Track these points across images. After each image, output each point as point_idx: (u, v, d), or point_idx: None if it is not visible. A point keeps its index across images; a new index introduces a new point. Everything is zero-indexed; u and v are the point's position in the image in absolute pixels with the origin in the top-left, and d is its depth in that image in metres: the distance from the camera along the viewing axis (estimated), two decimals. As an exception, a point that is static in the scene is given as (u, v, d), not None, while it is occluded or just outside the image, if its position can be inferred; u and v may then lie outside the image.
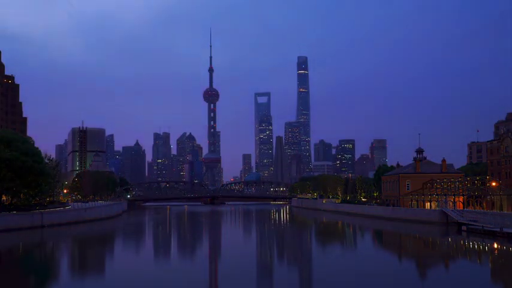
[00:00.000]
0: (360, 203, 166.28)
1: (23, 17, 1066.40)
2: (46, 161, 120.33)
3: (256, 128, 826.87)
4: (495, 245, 72.71)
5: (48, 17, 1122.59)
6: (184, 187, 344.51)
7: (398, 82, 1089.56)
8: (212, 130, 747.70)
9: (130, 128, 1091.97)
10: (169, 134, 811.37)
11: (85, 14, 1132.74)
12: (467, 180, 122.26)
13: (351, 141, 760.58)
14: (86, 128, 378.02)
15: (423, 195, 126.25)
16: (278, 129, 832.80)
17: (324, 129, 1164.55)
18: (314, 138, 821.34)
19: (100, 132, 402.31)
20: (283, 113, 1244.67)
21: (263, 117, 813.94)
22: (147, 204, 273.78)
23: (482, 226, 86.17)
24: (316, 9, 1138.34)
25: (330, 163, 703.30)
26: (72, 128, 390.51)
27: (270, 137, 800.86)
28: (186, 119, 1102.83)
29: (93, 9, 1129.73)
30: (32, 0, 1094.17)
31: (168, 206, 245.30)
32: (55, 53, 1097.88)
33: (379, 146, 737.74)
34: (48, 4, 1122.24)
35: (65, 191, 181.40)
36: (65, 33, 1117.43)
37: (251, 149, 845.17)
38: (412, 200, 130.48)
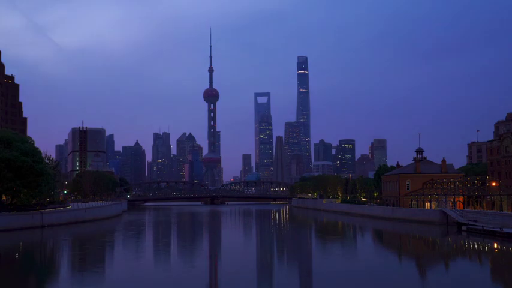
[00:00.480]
0: (360, 203, 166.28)
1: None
2: (46, 161, 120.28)
3: (256, 128, 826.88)
4: (495, 245, 72.72)
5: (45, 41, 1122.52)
6: (184, 187, 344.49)
7: (399, 82, 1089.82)
8: (212, 130, 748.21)
9: (130, 128, 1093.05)
10: (169, 134, 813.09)
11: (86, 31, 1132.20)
12: (467, 180, 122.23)
13: (351, 141, 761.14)
14: (86, 128, 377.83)
15: (423, 195, 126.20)
16: (278, 129, 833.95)
17: (324, 129, 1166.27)
18: (314, 138, 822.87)
19: (100, 132, 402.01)
20: (283, 113, 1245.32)
21: (263, 117, 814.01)
22: (147, 204, 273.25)
23: (483, 226, 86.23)
24: (317, 8, 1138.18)
25: (330, 163, 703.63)
26: (72, 128, 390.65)
27: (270, 137, 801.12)
28: (186, 119, 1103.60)
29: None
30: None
31: (168, 206, 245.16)
32: (54, 64, 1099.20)
33: (379, 146, 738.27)
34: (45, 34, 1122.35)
35: (65, 191, 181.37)
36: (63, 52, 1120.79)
37: (251, 149, 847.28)
38: (412, 200, 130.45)
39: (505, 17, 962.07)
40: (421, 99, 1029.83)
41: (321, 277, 47.95)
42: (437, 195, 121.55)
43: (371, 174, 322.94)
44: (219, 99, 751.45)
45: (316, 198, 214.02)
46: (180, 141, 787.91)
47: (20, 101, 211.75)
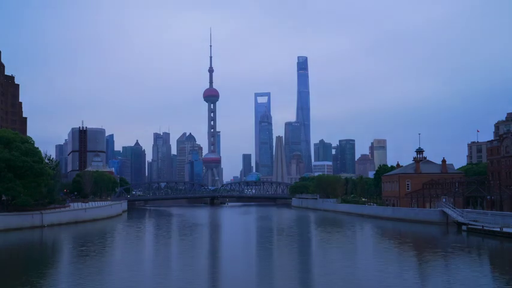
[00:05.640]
0: (360, 203, 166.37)
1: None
2: (46, 161, 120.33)
3: (256, 128, 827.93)
4: (495, 245, 72.86)
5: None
6: (184, 187, 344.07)
7: (398, 82, 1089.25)
8: (212, 130, 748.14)
9: (131, 128, 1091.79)
10: (169, 134, 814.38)
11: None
12: (467, 180, 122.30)
13: (351, 141, 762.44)
14: (86, 128, 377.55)
15: (423, 195, 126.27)
16: (278, 129, 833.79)
17: (324, 129, 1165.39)
18: (314, 138, 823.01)
19: (100, 132, 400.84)
20: (283, 113, 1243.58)
21: (263, 117, 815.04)
22: (147, 206, 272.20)
23: (483, 226, 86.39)
24: (317, 8, 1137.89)
25: (330, 163, 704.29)
26: (72, 128, 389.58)
27: (270, 137, 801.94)
28: (186, 119, 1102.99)
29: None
30: None
31: (169, 209, 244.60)
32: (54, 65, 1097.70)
33: (379, 146, 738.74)
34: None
35: (65, 191, 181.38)
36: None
37: (251, 149, 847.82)
38: (412, 200, 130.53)
39: (506, 14, 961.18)
40: (421, 99, 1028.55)
41: (320, 276, 47.96)
42: (437, 195, 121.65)
43: (371, 174, 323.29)
44: (219, 99, 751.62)
45: (316, 199, 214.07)
46: (180, 141, 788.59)
47: (20, 101, 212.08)
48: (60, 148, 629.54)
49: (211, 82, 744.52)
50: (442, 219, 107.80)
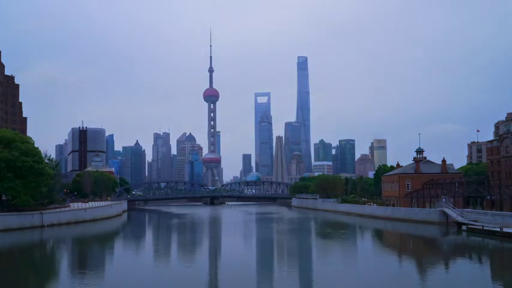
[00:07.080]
0: (360, 203, 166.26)
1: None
2: (46, 161, 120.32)
3: (256, 128, 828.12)
4: (495, 245, 72.84)
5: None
6: (184, 187, 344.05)
7: (399, 81, 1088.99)
8: (212, 130, 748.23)
9: (131, 128, 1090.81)
10: (169, 134, 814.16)
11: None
12: (467, 180, 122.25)
13: (351, 141, 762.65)
14: (86, 128, 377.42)
15: (423, 195, 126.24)
16: (278, 129, 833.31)
17: (324, 129, 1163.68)
18: (314, 138, 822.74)
19: (100, 132, 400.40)
20: (283, 113, 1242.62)
21: (263, 117, 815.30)
22: (147, 207, 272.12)
23: (483, 226, 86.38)
24: (317, 8, 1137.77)
25: (330, 163, 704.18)
26: (72, 128, 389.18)
27: (270, 137, 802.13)
28: (186, 119, 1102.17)
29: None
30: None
31: (169, 211, 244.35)
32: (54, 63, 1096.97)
33: (379, 146, 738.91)
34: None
35: (65, 191, 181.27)
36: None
37: (251, 149, 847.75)
38: (412, 200, 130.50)
39: (507, 14, 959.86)
40: (421, 99, 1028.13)
41: (320, 276, 47.97)
42: (437, 195, 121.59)
43: (371, 174, 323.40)
44: (219, 99, 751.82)
45: (316, 199, 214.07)
46: (180, 141, 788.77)
47: (20, 101, 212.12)
48: (60, 148, 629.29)
49: (211, 82, 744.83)
50: (442, 219, 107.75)
